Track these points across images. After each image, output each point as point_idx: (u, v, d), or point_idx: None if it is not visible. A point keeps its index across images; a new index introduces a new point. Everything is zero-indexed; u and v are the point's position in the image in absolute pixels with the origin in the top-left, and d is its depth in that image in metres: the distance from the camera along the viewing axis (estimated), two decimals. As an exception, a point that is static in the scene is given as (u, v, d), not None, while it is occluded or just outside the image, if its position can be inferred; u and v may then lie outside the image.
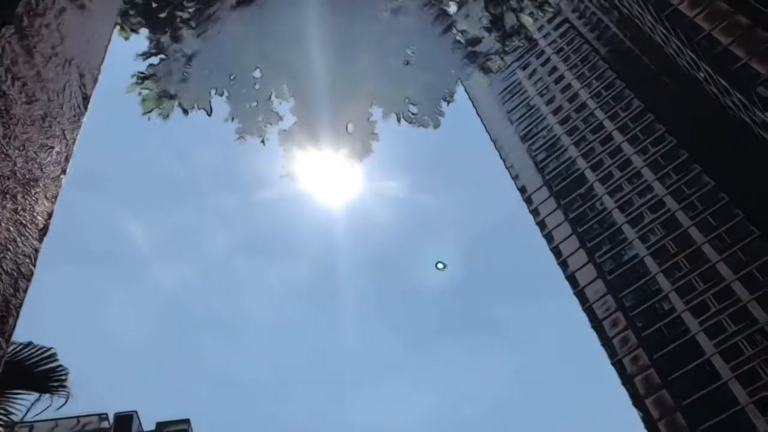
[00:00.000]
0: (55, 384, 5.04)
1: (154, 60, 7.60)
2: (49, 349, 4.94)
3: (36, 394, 5.13)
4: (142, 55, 7.49)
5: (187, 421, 43.72)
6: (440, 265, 50.11)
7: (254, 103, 8.29)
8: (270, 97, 8.15)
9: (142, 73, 7.65)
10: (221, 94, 7.98)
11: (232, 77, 7.52)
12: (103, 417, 41.44)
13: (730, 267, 62.42)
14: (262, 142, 8.66)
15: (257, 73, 8.15)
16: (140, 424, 42.42)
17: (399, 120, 6.65)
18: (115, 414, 41.63)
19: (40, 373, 4.99)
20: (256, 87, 7.84)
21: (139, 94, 7.63)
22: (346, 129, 7.06)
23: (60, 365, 4.98)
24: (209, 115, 7.23)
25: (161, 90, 6.06)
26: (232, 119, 7.07)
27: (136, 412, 42.11)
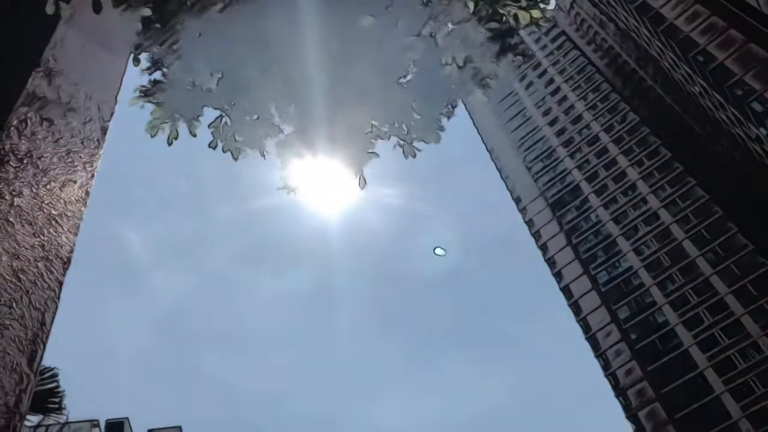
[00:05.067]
0: (52, 406, 4.93)
1: (157, 75, 7.60)
2: (52, 369, 4.85)
3: (31, 413, 5.03)
4: (146, 69, 7.51)
5: (179, 428, 43.38)
6: (439, 251, 48.56)
7: (255, 117, 8.29)
8: (271, 109, 8.16)
9: (144, 86, 7.69)
10: (221, 109, 7.95)
11: (233, 100, 7.48)
12: (94, 423, 41.11)
13: (723, 280, 62.64)
14: (263, 155, 8.69)
15: (257, 83, 8.11)
16: (131, 431, 42.09)
17: (402, 149, 6.72)
18: (107, 421, 41.30)
19: (39, 394, 4.87)
20: (257, 103, 7.86)
21: (142, 106, 7.65)
22: (343, 140, 7.12)
23: (58, 386, 4.89)
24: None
25: (167, 110, 6.08)
26: (214, 147, 7.08)
27: (127, 419, 41.79)
